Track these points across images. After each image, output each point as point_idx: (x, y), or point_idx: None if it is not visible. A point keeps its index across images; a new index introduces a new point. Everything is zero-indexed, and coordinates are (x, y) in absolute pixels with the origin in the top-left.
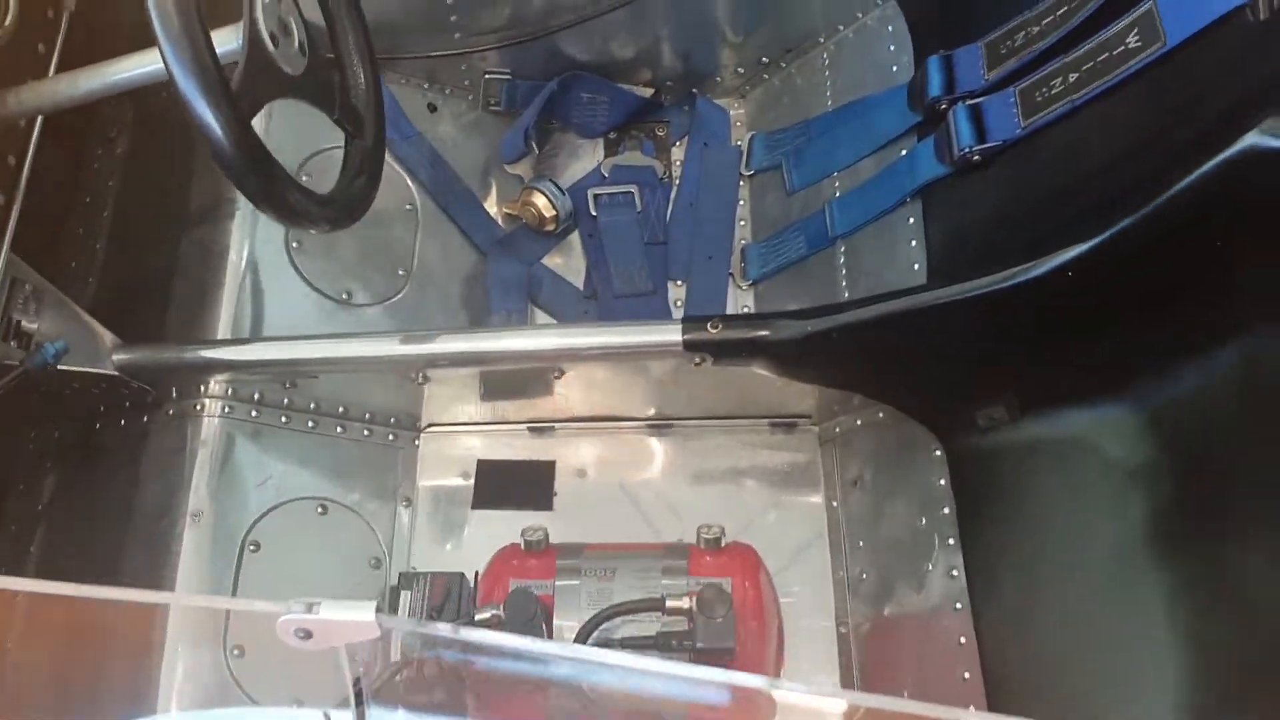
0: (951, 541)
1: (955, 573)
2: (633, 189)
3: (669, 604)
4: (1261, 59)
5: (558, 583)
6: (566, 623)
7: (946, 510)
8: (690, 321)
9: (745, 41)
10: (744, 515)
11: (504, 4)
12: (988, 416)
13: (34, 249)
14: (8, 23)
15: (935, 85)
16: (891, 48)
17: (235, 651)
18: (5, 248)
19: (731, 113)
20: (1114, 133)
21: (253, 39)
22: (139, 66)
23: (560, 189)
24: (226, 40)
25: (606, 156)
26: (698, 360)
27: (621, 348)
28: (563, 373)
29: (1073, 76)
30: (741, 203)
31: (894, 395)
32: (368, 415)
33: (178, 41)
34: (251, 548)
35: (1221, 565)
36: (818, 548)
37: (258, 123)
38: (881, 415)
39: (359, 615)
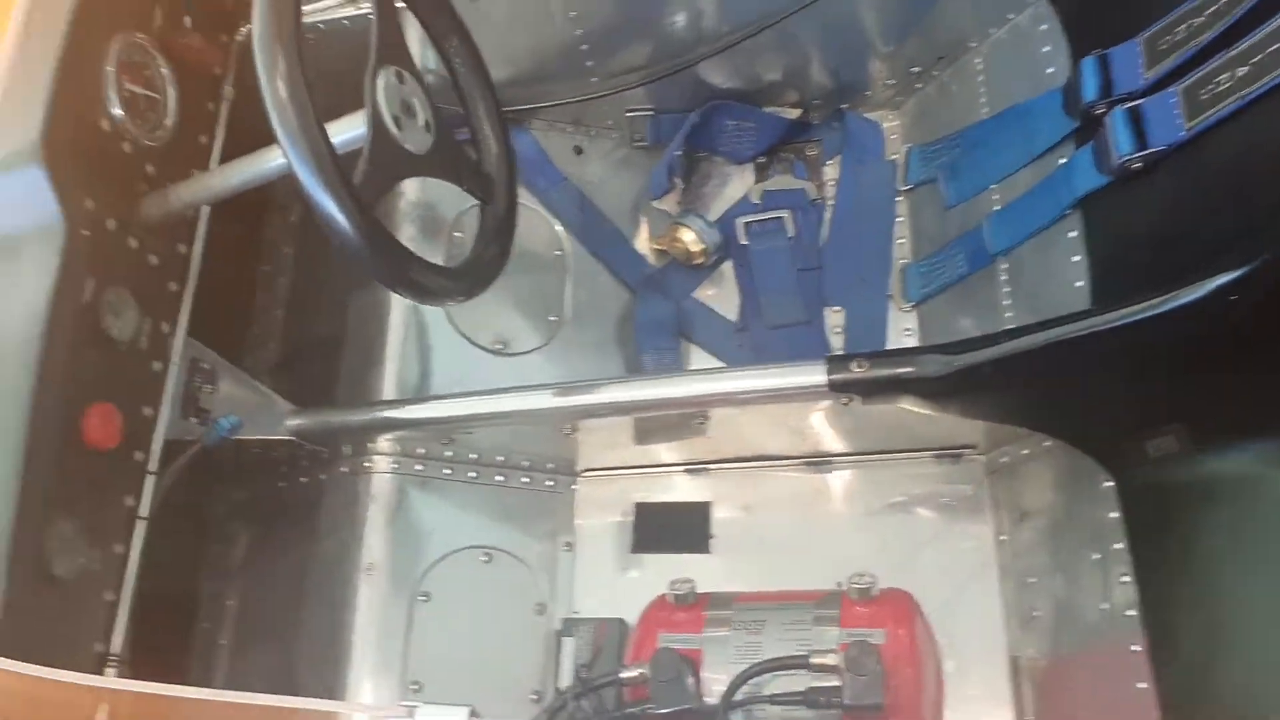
0: (1126, 578)
1: (1130, 611)
2: (784, 214)
3: (814, 660)
4: None
5: (706, 636)
6: (715, 676)
7: (1119, 545)
8: (835, 361)
9: (895, 52)
10: (908, 551)
11: (640, 42)
12: (1157, 448)
13: (214, 324)
14: (169, 121)
15: (1090, 88)
16: (1046, 48)
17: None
18: (182, 332)
19: (885, 125)
20: None
21: (375, 125)
22: None
23: (708, 222)
24: (350, 128)
25: (757, 182)
26: (845, 400)
27: (763, 393)
28: (707, 417)
29: (1241, 71)
30: (900, 219)
31: (1055, 426)
32: (526, 463)
33: (295, 138)
34: (422, 598)
35: None
36: (987, 583)
37: (412, 180)
38: (1049, 444)
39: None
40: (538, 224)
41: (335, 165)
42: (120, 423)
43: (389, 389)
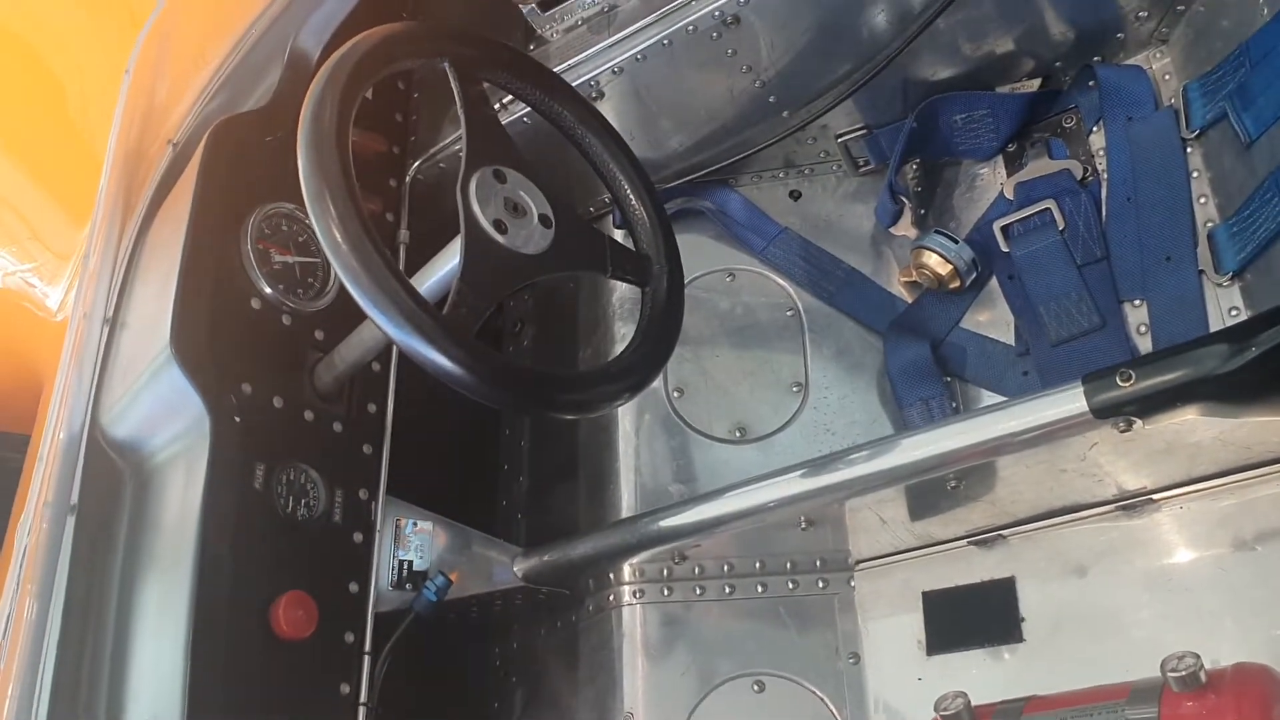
0: None
1: None
2: (1048, 204)
3: None
4: None
5: None
6: None
7: None
8: (1093, 380)
9: None
10: (1274, 603)
11: (824, 61)
12: None
13: (439, 476)
14: (334, 280)
15: None
16: None
17: None
18: (382, 496)
19: (1154, 67)
20: None
21: (470, 239)
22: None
23: (951, 237)
24: (453, 256)
25: (1010, 176)
26: (1121, 427)
27: (1014, 438)
28: (956, 479)
29: None
30: (1195, 174)
31: None
32: (789, 564)
33: (360, 282)
34: None
35: None
36: None
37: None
38: None
39: None
40: (760, 286)
41: (414, 303)
42: (314, 609)
43: (627, 509)
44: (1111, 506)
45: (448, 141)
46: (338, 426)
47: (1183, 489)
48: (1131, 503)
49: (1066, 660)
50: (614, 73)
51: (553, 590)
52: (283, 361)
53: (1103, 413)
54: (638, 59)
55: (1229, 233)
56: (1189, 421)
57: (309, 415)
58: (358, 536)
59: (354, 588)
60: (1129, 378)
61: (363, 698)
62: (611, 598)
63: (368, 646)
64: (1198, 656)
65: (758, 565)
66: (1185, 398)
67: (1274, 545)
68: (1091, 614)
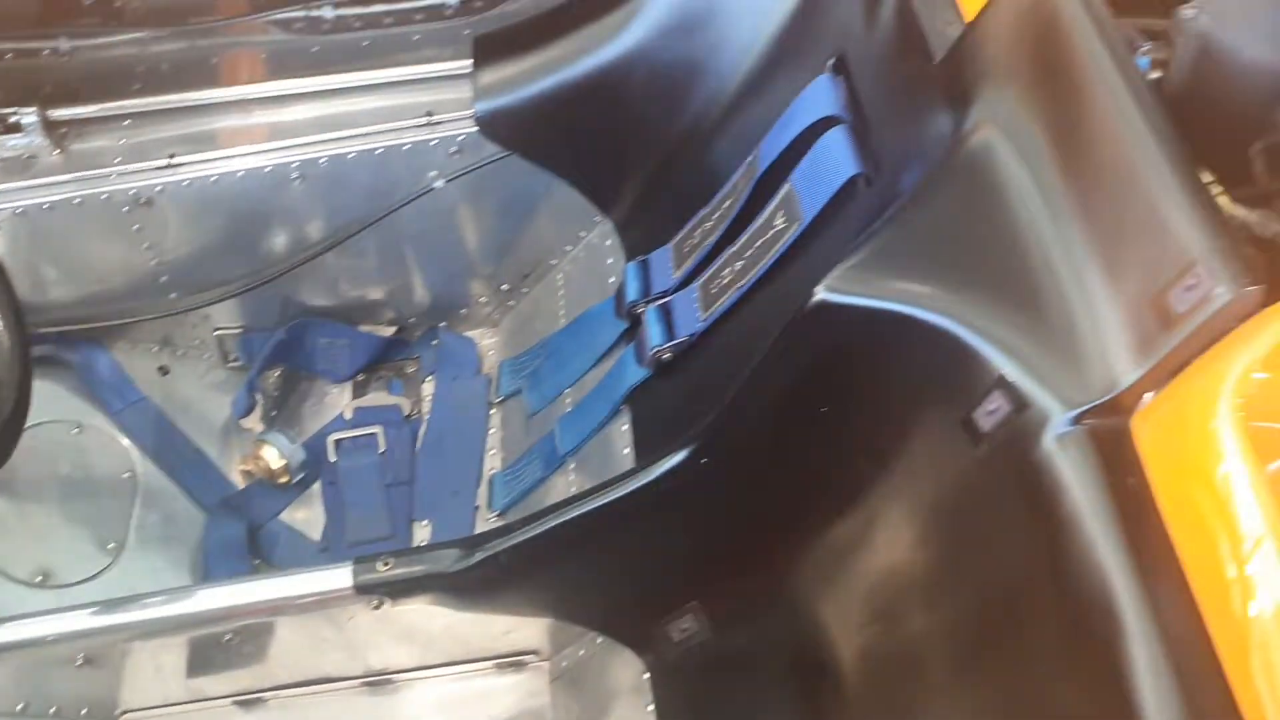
0: None
1: None
2: (376, 430)
3: None
4: (868, 221)
5: None
6: None
7: None
8: (363, 561)
9: (493, 272)
10: None
11: (220, 261)
12: (679, 629)
13: None
14: None
15: (633, 290)
16: (610, 260)
17: None
18: None
19: (485, 342)
20: (770, 317)
21: None
22: None
23: (290, 439)
24: None
25: (353, 399)
26: (375, 604)
27: (285, 601)
28: (235, 635)
29: (739, 264)
30: (492, 431)
31: (585, 615)
32: (54, 710)
33: None
34: None
35: None
36: None
37: None
38: (601, 641)
39: None
40: (105, 445)
41: None
42: None
43: None
44: (358, 682)
45: None
46: None
47: (415, 673)
48: (375, 681)
49: None
50: (15, 213)
51: None
52: None
53: (363, 589)
54: (44, 207)
55: (503, 480)
56: (428, 610)
57: None
58: None
59: None
60: (388, 564)
61: None
62: None
63: None
64: None
65: (20, 707)
66: (425, 587)
67: None
68: None
